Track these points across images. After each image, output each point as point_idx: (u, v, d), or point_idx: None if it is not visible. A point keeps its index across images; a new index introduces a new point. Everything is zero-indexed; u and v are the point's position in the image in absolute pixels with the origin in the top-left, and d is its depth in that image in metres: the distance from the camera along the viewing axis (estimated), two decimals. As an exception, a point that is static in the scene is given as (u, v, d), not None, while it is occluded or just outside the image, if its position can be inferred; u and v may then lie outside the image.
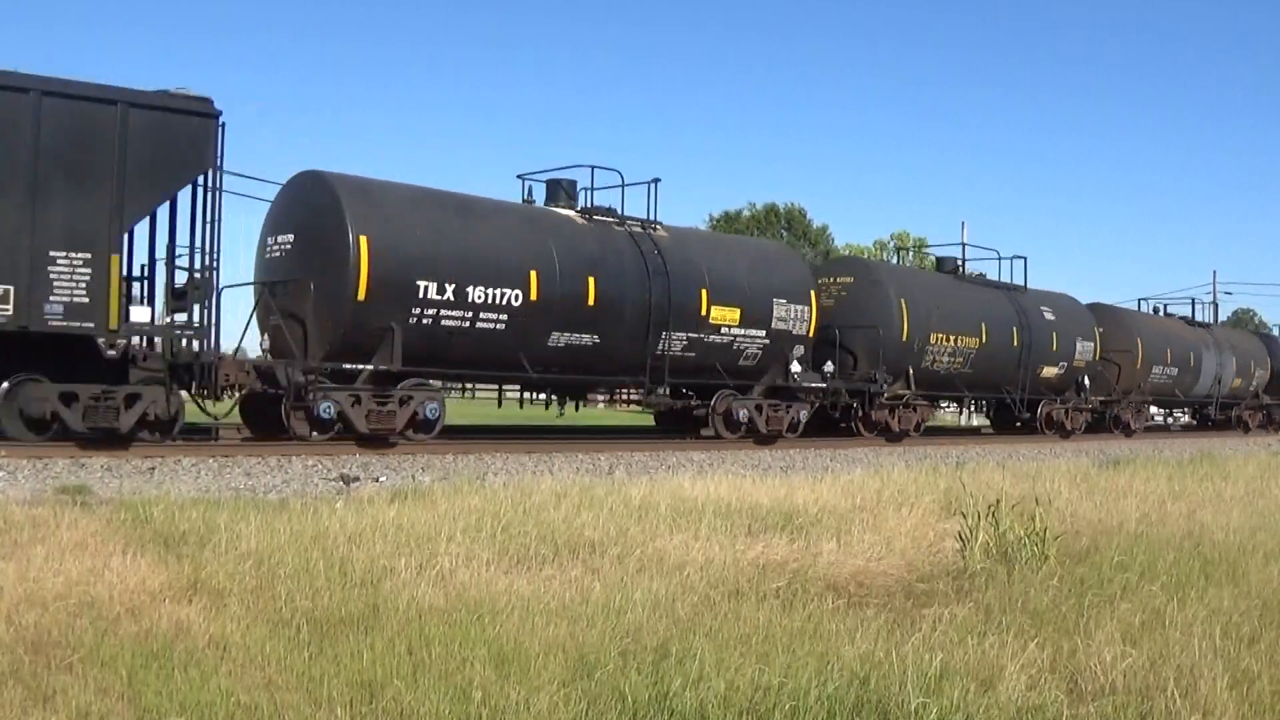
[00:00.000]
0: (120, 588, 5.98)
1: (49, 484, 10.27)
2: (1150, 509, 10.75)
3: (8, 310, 11.88)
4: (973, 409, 31.03)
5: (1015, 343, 24.99)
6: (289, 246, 15.26)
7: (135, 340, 13.10)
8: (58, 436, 12.61)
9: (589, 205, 18.32)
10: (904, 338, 21.93)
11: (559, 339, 16.65)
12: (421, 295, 15.04)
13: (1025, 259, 26.99)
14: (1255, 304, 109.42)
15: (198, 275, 13.21)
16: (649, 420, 23.59)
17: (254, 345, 15.91)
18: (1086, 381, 27.67)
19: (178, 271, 13.41)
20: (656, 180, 18.89)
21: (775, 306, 19.46)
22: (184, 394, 13.56)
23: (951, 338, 23.24)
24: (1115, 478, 13.76)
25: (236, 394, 14.29)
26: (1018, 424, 26.38)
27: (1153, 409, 34.28)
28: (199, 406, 14.00)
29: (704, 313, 18.40)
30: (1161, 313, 34.84)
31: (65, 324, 12.16)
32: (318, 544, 7.13)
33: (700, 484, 10.89)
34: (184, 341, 13.11)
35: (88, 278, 12.21)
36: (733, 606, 6.12)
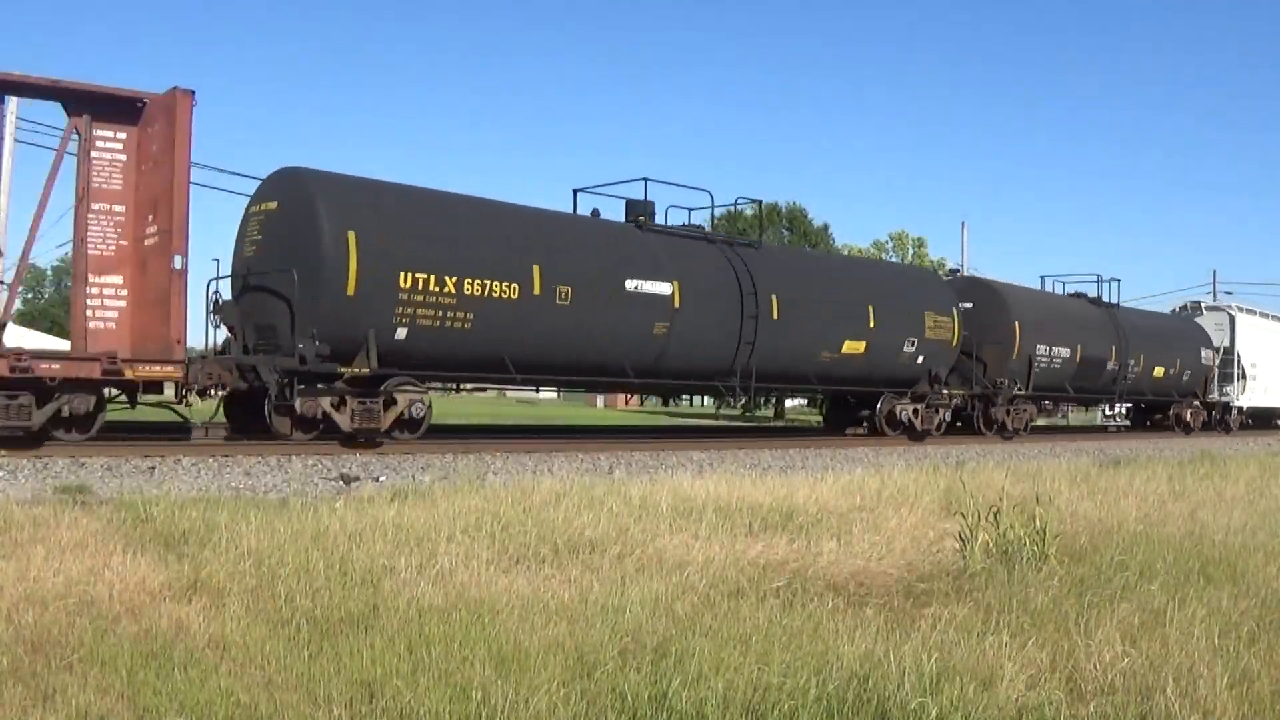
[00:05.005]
0: (120, 587, 5.98)
1: (49, 484, 10.26)
2: (1150, 509, 10.74)
3: None
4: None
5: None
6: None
7: None
8: None
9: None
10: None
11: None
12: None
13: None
14: (1254, 304, 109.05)
15: None
16: (649, 420, 23.70)
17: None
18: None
19: None
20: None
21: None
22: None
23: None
24: (1115, 477, 13.76)
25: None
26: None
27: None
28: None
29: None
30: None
31: None
32: (318, 543, 7.13)
33: (700, 483, 10.88)
34: None
35: None
36: (732, 606, 6.11)
